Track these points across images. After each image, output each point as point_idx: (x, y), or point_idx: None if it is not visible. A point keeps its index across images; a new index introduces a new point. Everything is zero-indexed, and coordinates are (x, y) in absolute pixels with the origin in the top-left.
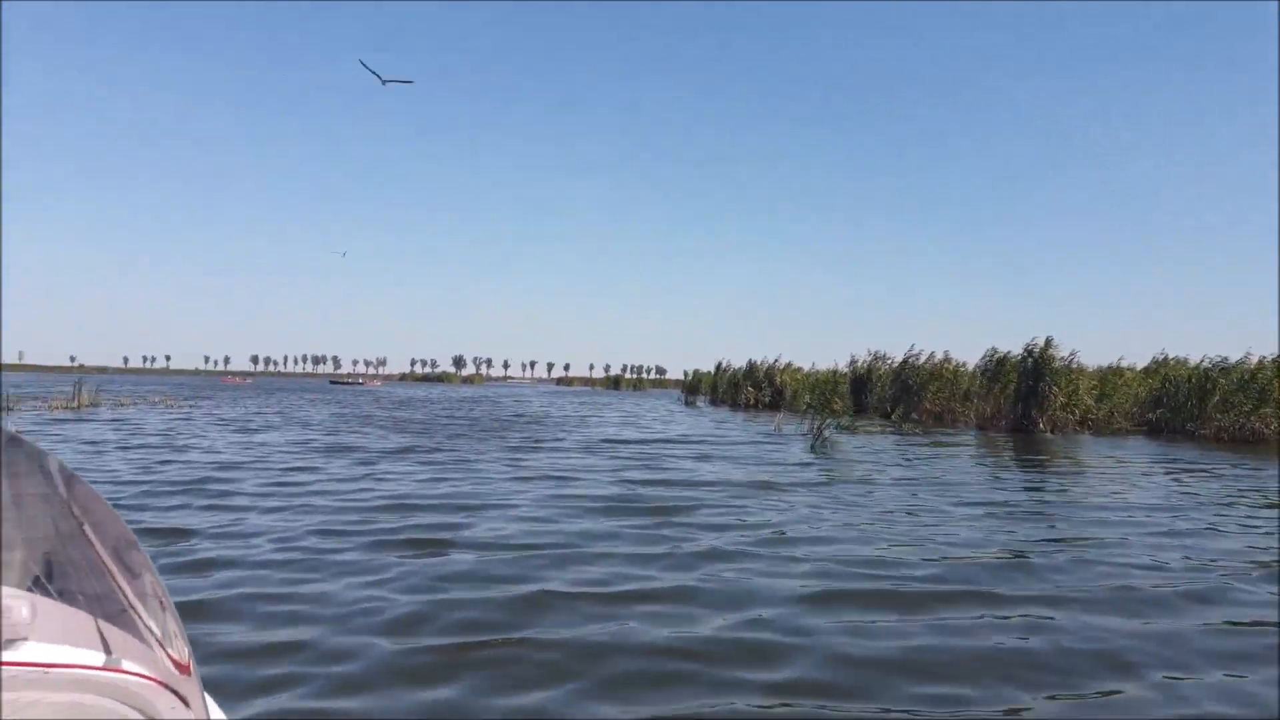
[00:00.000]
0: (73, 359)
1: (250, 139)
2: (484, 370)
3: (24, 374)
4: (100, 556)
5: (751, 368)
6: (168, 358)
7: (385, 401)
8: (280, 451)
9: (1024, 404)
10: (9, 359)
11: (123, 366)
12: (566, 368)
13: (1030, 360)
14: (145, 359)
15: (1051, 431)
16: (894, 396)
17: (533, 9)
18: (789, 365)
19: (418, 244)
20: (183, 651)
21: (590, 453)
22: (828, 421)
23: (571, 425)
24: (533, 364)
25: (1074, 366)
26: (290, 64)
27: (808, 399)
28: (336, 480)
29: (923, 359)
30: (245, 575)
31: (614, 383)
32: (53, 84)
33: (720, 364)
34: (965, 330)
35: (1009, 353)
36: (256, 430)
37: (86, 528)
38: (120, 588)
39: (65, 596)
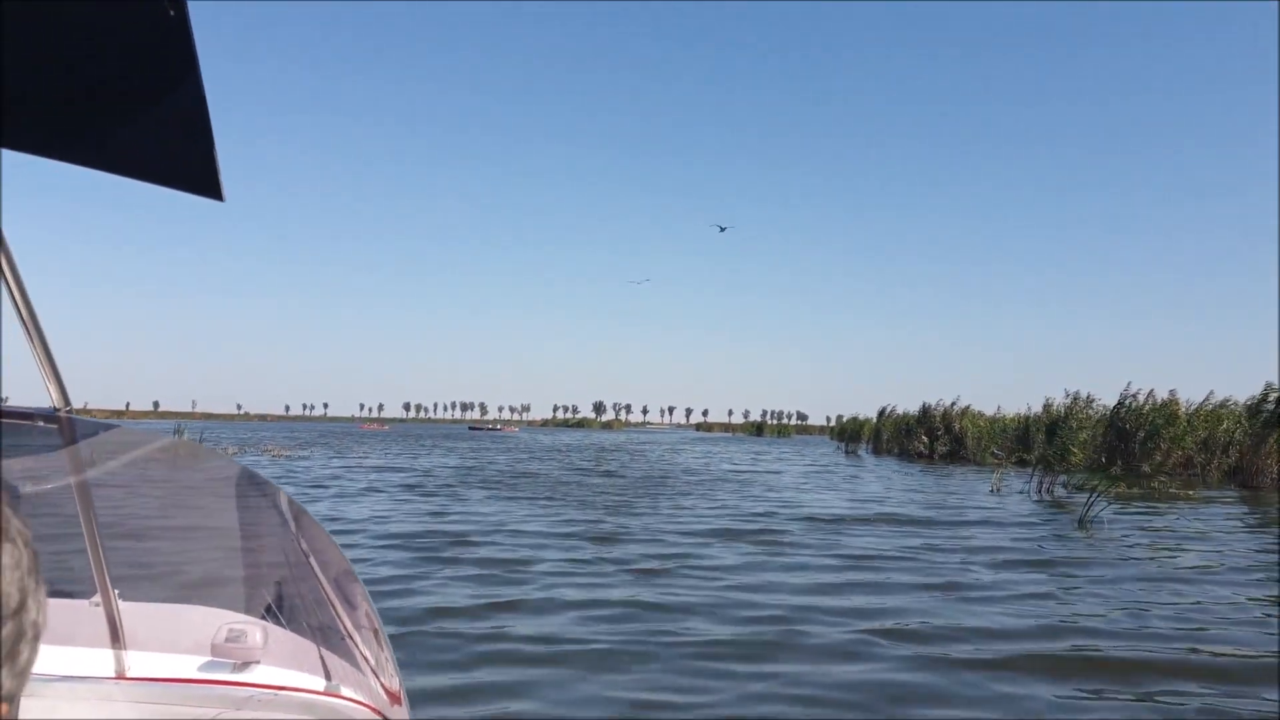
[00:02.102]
0: (239, 406)
1: (412, 189)
2: (623, 415)
3: (196, 420)
4: (323, 587)
5: (926, 412)
6: (325, 405)
7: (516, 449)
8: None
9: None
10: (183, 407)
11: (284, 414)
12: (705, 413)
13: None
14: (305, 406)
15: None
16: (1108, 445)
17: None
18: (968, 409)
19: (559, 290)
20: (394, 681)
21: (833, 556)
22: (1064, 479)
23: (745, 485)
24: (671, 409)
25: None
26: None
27: (995, 448)
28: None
29: (1142, 399)
30: None
31: (757, 429)
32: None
33: (884, 409)
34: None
35: None
36: (337, 490)
37: (312, 560)
38: (340, 618)
39: (293, 624)
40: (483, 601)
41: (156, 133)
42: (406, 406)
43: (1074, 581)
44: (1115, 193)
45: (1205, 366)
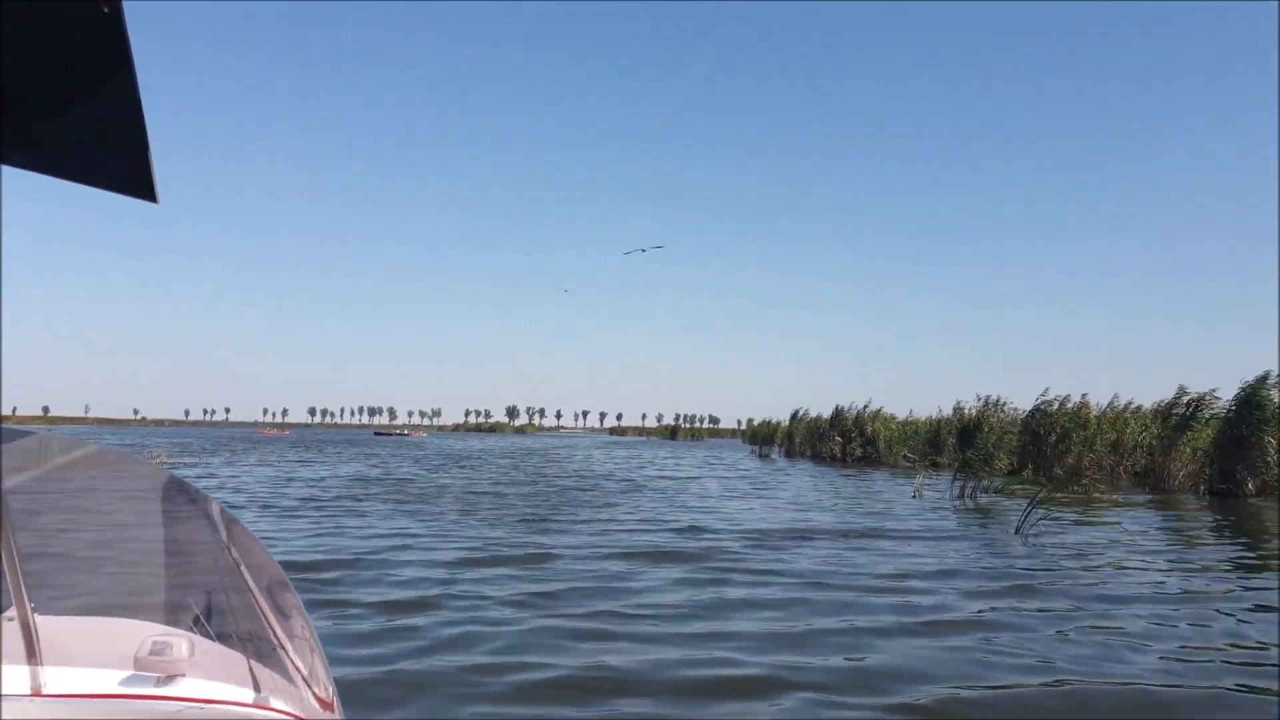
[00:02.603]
0: (136, 411)
1: (308, 185)
2: (536, 420)
3: (88, 427)
4: (255, 597)
5: (839, 415)
6: (227, 410)
7: (425, 456)
8: None
9: (1226, 459)
10: (77, 412)
11: (183, 419)
12: (619, 417)
13: (1239, 404)
14: (206, 411)
15: (1260, 495)
16: (1021, 449)
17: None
18: (880, 412)
19: (470, 293)
20: (327, 689)
21: (785, 584)
22: (984, 483)
23: (671, 494)
24: (585, 414)
25: None
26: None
27: (907, 451)
28: None
29: (1056, 405)
30: None
31: (671, 432)
32: None
33: (796, 412)
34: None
35: (1204, 395)
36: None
37: (243, 569)
38: (272, 627)
39: (222, 636)
40: (366, 673)
41: (89, 133)
42: (312, 411)
43: (1072, 608)
44: (1047, 191)
45: (1136, 369)
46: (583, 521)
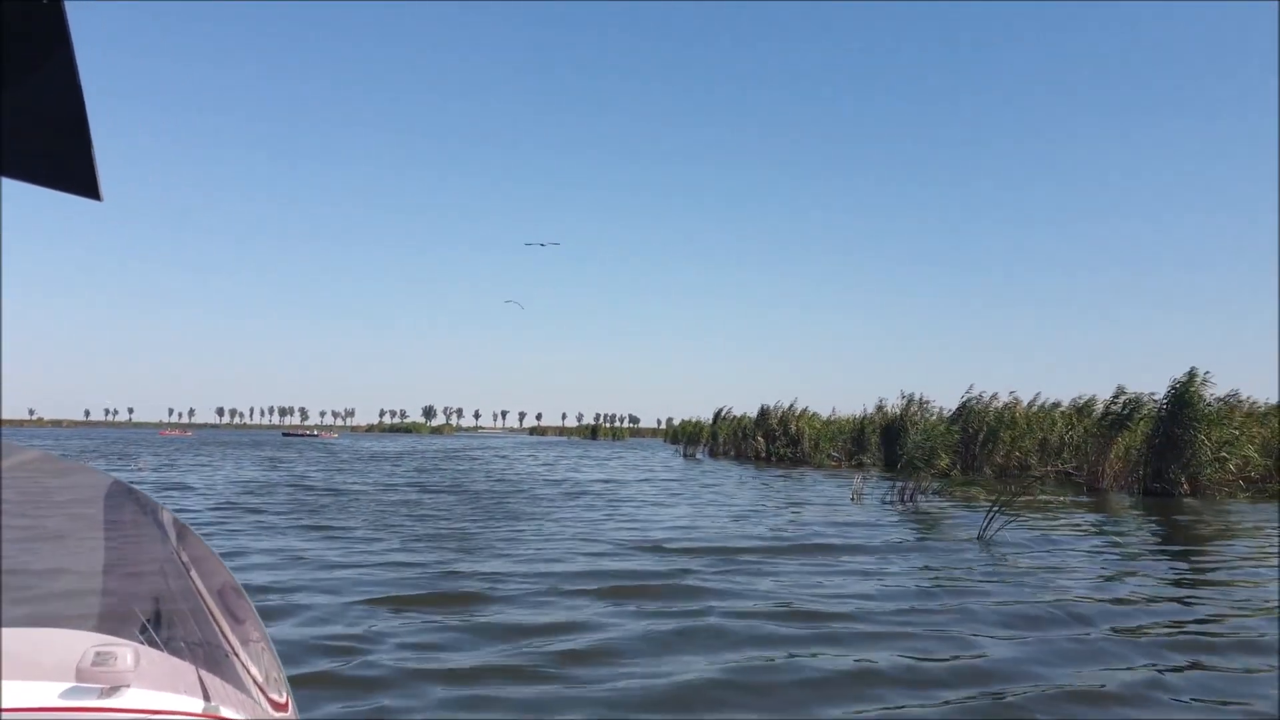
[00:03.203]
0: (31, 411)
1: (217, 177)
2: (454, 420)
3: None
4: (206, 604)
5: (764, 414)
6: (130, 410)
7: (335, 458)
8: None
9: (1159, 459)
10: None
11: (83, 420)
12: (539, 417)
13: (1171, 402)
14: (108, 411)
15: (1193, 495)
16: (911, 446)
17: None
18: (805, 411)
19: (386, 293)
20: (281, 694)
21: (772, 619)
22: (924, 485)
23: (606, 501)
24: (504, 413)
25: (1234, 407)
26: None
27: (831, 450)
28: None
29: (984, 403)
30: None
31: (591, 432)
32: None
33: (720, 411)
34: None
35: (1139, 394)
36: None
37: (194, 575)
38: (224, 634)
39: (170, 644)
40: None
41: (29, 131)
42: (220, 411)
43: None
44: (984, 186)
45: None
46: (516, 538)
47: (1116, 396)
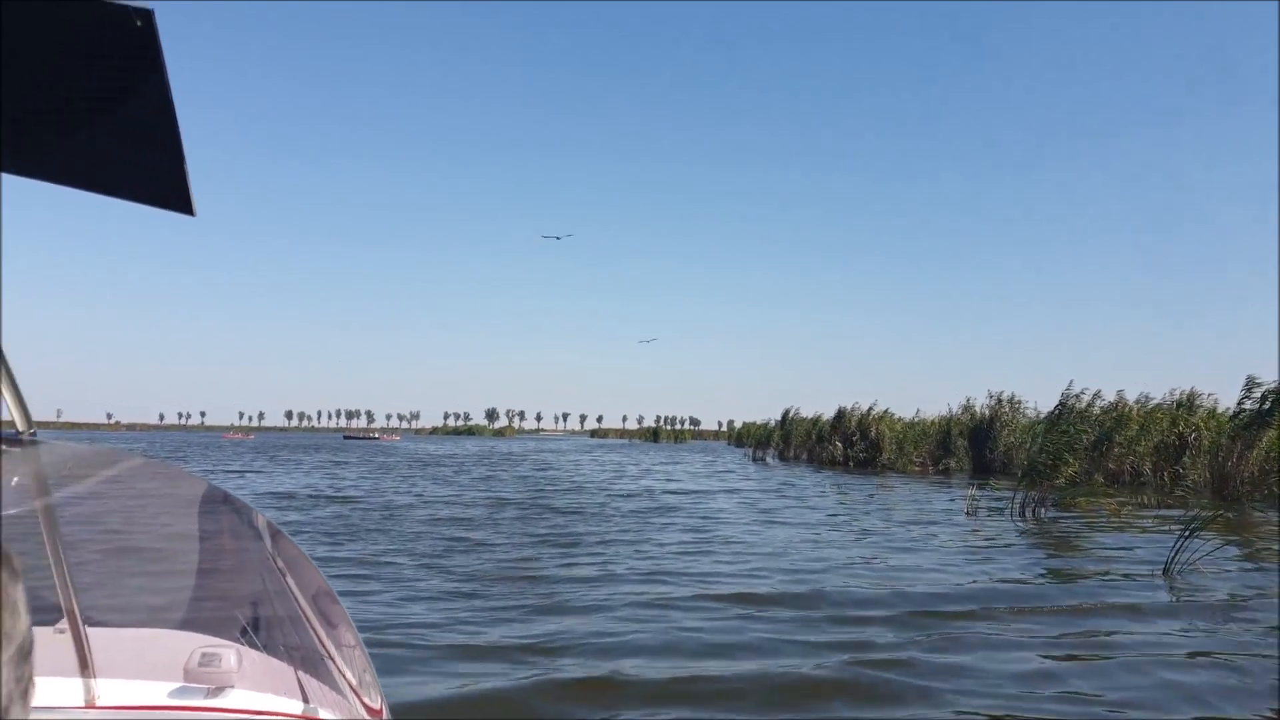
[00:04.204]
0: (109, 415)
1: (288, 188)
2: (516, 423)
3: (55, 431)
4: (300, 607)
5: (841, 416)
6: (203, 414)
7: (392, 463)
8: None
9: None
10: (47, 416)
11: (157, 424)
12: (599, 419)
13: None
14: (181, 415)
15: None
16: (1036, 450)
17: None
18: (886, 413)
19: (451, 295)
20: (375, 698)
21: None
22: (1048, 496)
23: (691, 517)
24: (565, 416)
25: None
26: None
27: (915, 454)
28: None
29: (1086, 401)
30: None
31: (653, 434)
32: None
33: (788, 412)
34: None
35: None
36: None
37: (289, 580)
38: (318, 637)
39: (269, 647)
40: None
41: (126, 148)
42: (289, 415)
43: None
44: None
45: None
46: (600, 578)
47: (1250, 389)
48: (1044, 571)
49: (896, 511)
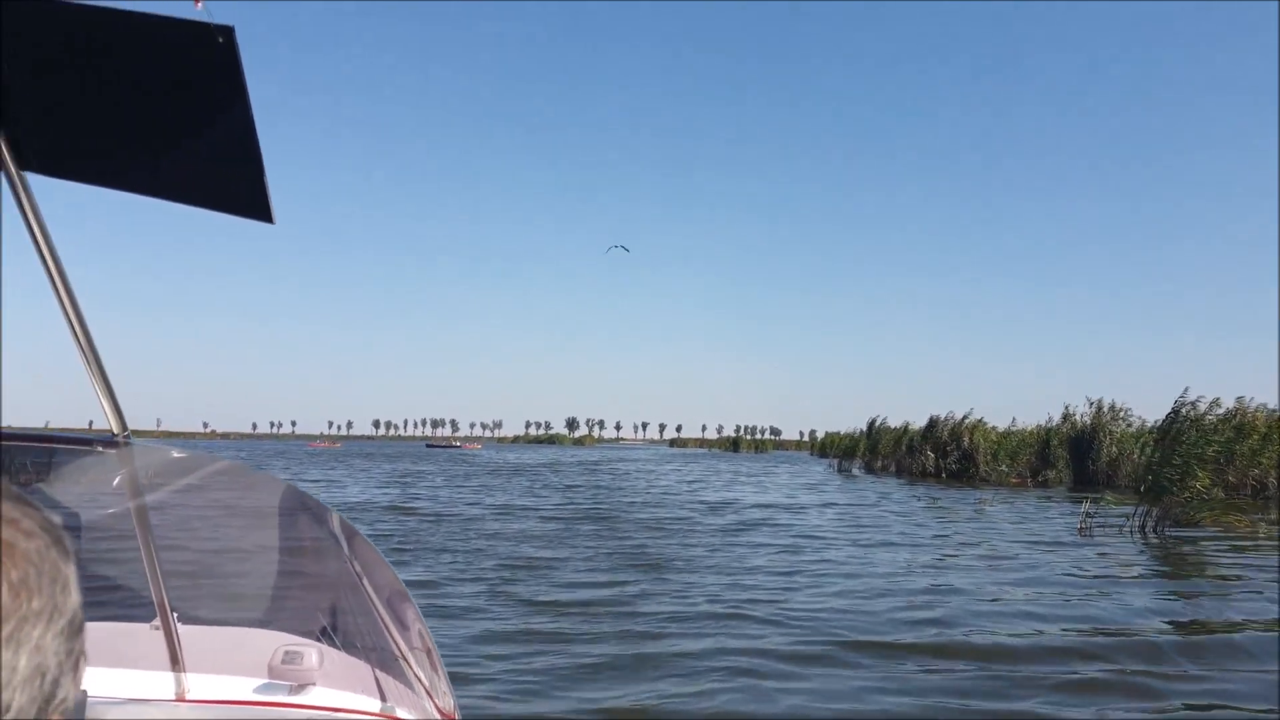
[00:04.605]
0: (205, 424)
1: (375, 203)
2: (596, 432)
3: (156, 440)
4: (376, 608)
5: (933, 425)
6: (294, 423)
7: (471, 473)
8: None
9: None
10: (148, 425)
11: (250, 432)
12: (679, 429)
13: None
14: (273, 424)
15: None
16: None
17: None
18: (980, 422)
19: (532, 305)
20: (448, 701)
21: None
22: (1177, 513)
23: (785, 536)
24: (644, 425)
25: None
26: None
27: (1012, 465)
28: None
29: (1203, 409)
30: None
31: (733, 445)
32: None
33: (874, 422)
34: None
35: None
36: None
37: (364, 581)
38: (393, 638)
39: (347, 646)
40: None
41: (208, 159)
42: (376, 424)
43: None
44: (1097, 197)
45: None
46: (701, 617)
47: None
48: (1185, 608)
49: (1006, 530)
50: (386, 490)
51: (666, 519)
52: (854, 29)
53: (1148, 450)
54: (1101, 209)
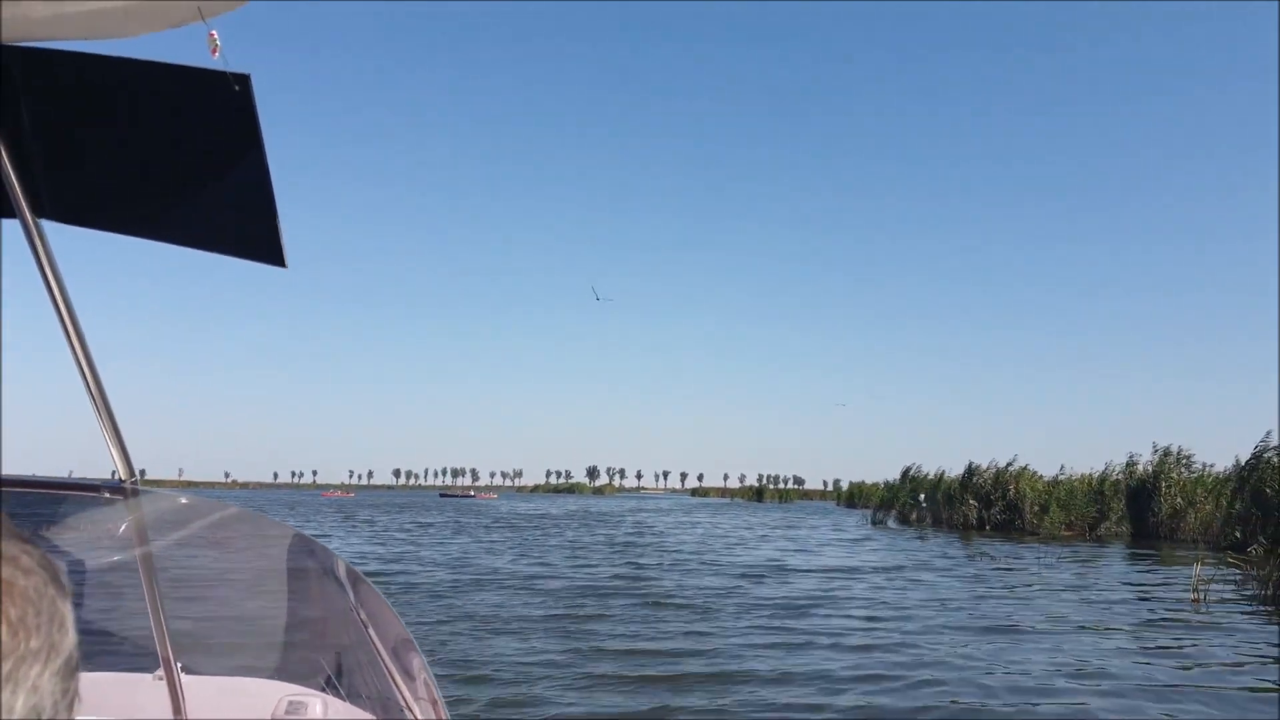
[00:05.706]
0: (227, 474)
1: (398, 250)
2: (616, 480)
3: (176, 490)
4: (382, 657)
5: (972, 473)
6: (314, 472)
7: (479, 525)
8: None
9: None
10: (170, 474)
11: (271, 482)
12: (700, 478)
13: None
14: (294, 474)
15: None
16: (1241, 515)
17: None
18: (1025, 470)
19: (557, 354)
20: None
21: None
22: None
23: (844, 607)
24: (665, 474)
25: None
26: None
27: (1061, 517)
28: None
29: None
30: None
31: (757, 494)
32: None
33: (908, 470)
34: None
35: None
36: None
37: (370, 630)
38: (399, 688)
39: (352, 696)
40: None
41: (222, 205)
42: (396, 473)
43: None
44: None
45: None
46: None
47: None
48: None
49: (1100, 592)
50: (377, 548)
51: (703, 590)
52: (878, 81)
53: (1224, 499)
54: (1117, 253)
